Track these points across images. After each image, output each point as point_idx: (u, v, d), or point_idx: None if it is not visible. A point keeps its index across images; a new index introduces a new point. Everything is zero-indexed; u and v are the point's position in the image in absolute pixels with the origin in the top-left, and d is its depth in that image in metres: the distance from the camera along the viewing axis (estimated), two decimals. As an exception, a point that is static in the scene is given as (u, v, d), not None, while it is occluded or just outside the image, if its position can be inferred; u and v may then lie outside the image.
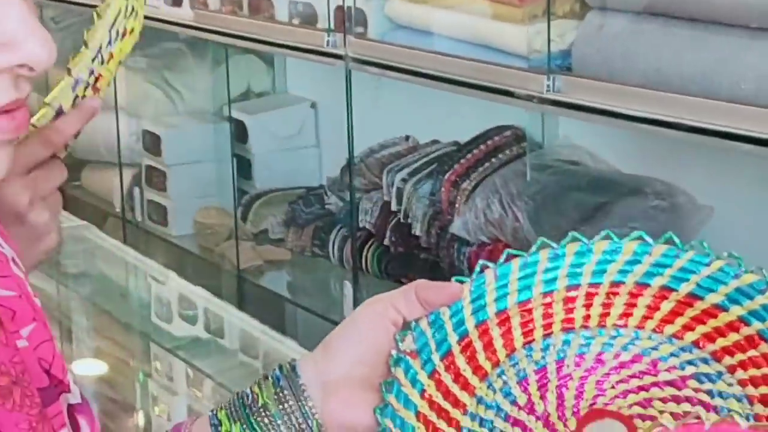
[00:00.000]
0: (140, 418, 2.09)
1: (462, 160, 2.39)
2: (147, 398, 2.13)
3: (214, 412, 0.99)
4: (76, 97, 1.16)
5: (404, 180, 2.45)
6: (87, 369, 2.19)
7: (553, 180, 2.29)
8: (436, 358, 0.96)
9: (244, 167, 2.99)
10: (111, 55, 1.20)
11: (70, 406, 0.86)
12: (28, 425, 0.76)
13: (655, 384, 1.03)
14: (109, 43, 1.19)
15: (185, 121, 3.14)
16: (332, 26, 2.38)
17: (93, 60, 1.17)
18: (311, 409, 0.96)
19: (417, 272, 2.41)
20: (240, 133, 2.98)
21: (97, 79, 1.21)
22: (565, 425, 1.00)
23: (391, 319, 0.94)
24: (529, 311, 0.98)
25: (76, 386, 0.86)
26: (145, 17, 2.45)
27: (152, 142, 3.05)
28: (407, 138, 2.62)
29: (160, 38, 3.11)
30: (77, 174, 3.44)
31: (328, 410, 0.95)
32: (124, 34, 1.19)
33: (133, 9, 1.22)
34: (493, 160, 2.37)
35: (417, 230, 2.41)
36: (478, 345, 0.97)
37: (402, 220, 2.45)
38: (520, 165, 2.33)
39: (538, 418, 1.01)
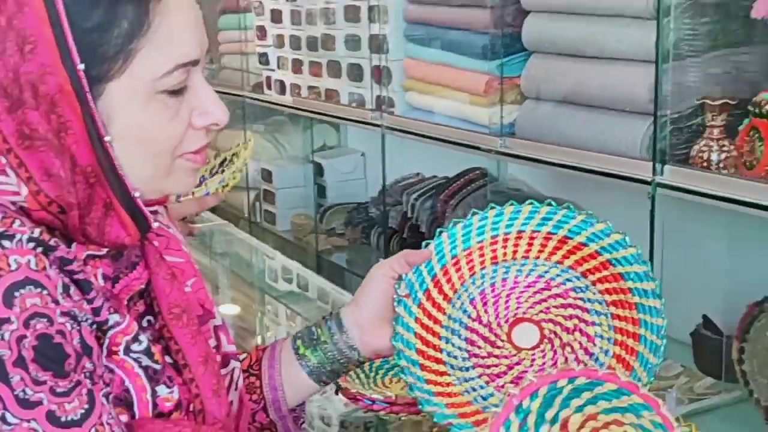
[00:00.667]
0: (257, 339, 2.38)
1: (450, 187, 2.69)
2: (262, 327, 2.55)
3: (294, 339, 1.23)
4: (216, 189, 1.96)
5: (416, 199, 2.79)
6: (227, 309, 2.50)
7: (503, 200, 2.24)
8: (419, 294, 1.20)
9: (321, 191, 3.48)
10: (234, 175, 2.05)
11: (215, 327, 1.10)
12: (191, 336, 1.02)
13: (550, 296, 1.22)
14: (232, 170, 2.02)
15: (286, 163, 3.63)
16: (374, 107, 2.78)
17: (231, 175, 2.03)
18: (352, 341, 1.22)
19: None
20: (318, 170, 3.49)
21: (226, 185, 2.06)
22: (500, 330, 1.22)
23: (391, 276, 1.21)
24: (470, 254, 1.22)
25: (220, 315, 1.09)
26: (264, 101, 3.26)
27: (267, 175, 3.58)
28: (417, 174, 2.97)
29: (272, 113, 3.66)
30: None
31: (363, 341, 1.22)
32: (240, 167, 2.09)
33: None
34: (468, 187, 2.67)
35: (423, 229, 2.74)
36: (443, 280, 1.21)
37: (414, 223, 2.80)
38: (484, 191, 2.61)
39: (484, 326, 1.22)
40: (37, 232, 0.89)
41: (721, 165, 1.80)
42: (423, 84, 2.65)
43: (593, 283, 1.23)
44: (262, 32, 3.40)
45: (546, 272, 1.23)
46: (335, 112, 3.02)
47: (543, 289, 1.22)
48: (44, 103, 0.90)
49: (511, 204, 1.27)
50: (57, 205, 0.93)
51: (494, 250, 1.22)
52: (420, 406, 1.17)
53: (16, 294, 0.86)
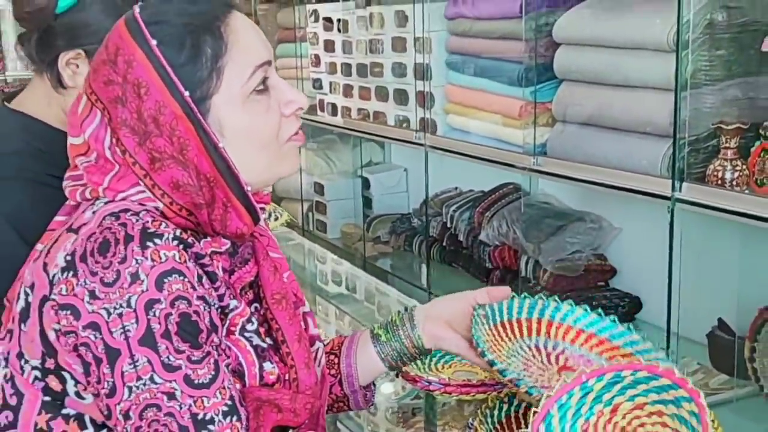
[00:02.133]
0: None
1: (486, 200, 2.76)
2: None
3: (374, 328, 1.39)
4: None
5: (454, 211, 2.84)
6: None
7: (535, 212, 2.57)
8: (491, 324, 1.36)
9: (367, 202, 3.51)
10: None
11: (304, 313, 1.24)
12: (289, 318, 1.16)
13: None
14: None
15: (336, 177, 3.63)
16: (418, 128, 2.80)
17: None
18: (417, 332, 1.36)
19: (461, 260, 2.83)
20: (366, 184, 3.52)
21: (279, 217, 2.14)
22: (551, 366, 1.35)
23: (472, 303, 1.37)
24: (532, 321, 1.40)
25: (308, 304, 1.25)
26: (318, 122, 3.28)
27: (319, 188, 3.60)
28: (456, 188, 3.01)
29: (324, 132, 3.69)
30: (279, 204, 3.88)
31: (427, 333, 1.36)
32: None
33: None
34: (503, 200, 2.73)
35: (461, 238, 2.80)
36: (513, 324, 1.40)
37: (453, 232, 2.84)
38: (518, 204, 2.62)
39: (539, 356, 1.37)
40: (179, 232, 1.04)
41: (734, 183, 1.81)
42: (462, 107, 2.66)
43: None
44: (316, 60, 3.43)
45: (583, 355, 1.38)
46: (382, 132, 3.05)
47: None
48: (166, 130, 1.05)
49: (570, 305, 1.43)
50: (186, 210, 1.07)
51: (556, 327, 1.41)
52: (516, 384, 1.24)
53: (165, 280, 1.00)
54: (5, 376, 1.10)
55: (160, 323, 0.99)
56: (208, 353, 1.03)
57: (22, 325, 1.07)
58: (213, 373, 1.03)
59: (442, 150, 2.70)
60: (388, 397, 1.80)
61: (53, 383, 1.06)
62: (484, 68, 2.53)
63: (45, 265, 1.06)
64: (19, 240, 1.30)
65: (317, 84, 3.45)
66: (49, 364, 1.06)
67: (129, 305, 0.99)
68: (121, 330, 0.99)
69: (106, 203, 1.08)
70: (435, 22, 2.69)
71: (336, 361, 1.37)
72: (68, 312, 1.00)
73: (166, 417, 1.00)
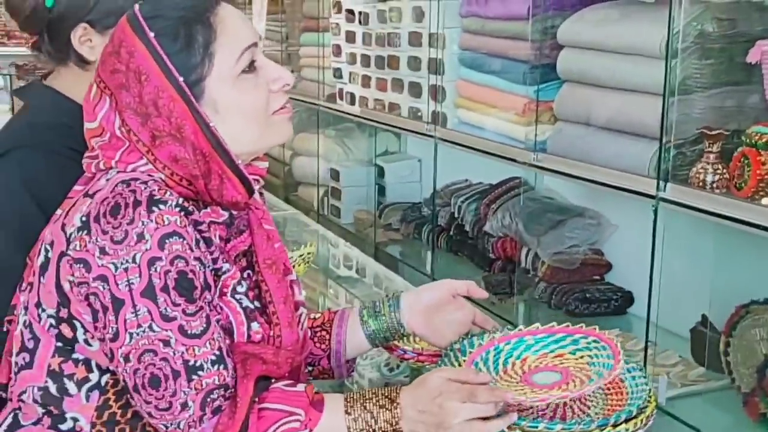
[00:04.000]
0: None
1: (492, 193, 2.82)
2: (324, 306, 2.59)
3: (360, 309, 1.51)
4: (294, 265, 1.83)
5: (462, 202, 2.90)
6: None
7: (537, 206, 2.62)
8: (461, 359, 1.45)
9: (381, 190, 3.54)
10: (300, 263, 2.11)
11: (290, 281, 1.34)
12: (277, 281, 1.27)
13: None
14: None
15: (353, 164, 3.66)
16: (429, 120, 2.83)
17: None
18: (401, 319, 1.48)
19: (466, 250, 2.88)
20: (380, 172, 3.56)
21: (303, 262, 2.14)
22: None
23: (452, 293, 1.50)
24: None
25: (295, 273, 1.35)
26: (336, 110, 3.28)
27: (335, 174, 3.64)
28: (465, 180, 3.05)
29: (342, 121, 3.70)
30: (296, 188, 4.06)
31: (410, 322, 1.48)
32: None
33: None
34: (509, 194, 2.78)
35: (467, 228, 2.86)
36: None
37: (460, 223, 2.90)
38: (520, 199, 2.64)
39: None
40: (181, 200, 1.16)
41: (715, 185, 1.87)
42: (472, 102, 2.71)
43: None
44: (337, 50, 3.48)
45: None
46: (396, 122, 3.09)
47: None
48: (164, 112, 1.17)
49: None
50: (186, 180, 1.19)
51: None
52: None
53: (167, 241, 1.12)
54: (24, 322, 1.22)
55: (160, 278, 1.11)
56: (201, 308, 1.15)
57: (42, 278, 1.20)
58: (204, 325, 1.15)
59: (452, 142, 2.74)
60: (379, 372, 1.87)
61: (65, 330, 1.19)
62: (492, 66, 2.58)
63: (63, 225, 1.19)
64: (32, 204, 1.40)
65: (337, 73, 3.49)
66: (63, 313, 1.18)
67: (134, 261, 1.11)
68: (126, 283, 1.11)
69: (118, 172, 1.20)
70: (450, 18, 2.74)
71: (327, 337, 1.49)
72: (81, 266, 1.13)
73: (161, 361, 1.12)
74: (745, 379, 1.93)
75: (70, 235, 1.16)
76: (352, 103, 3.36)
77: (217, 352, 1.16)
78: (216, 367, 1.15)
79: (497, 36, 2.56)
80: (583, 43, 2.25)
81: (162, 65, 1.17)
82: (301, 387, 1.21)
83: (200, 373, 1.14)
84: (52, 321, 1.20)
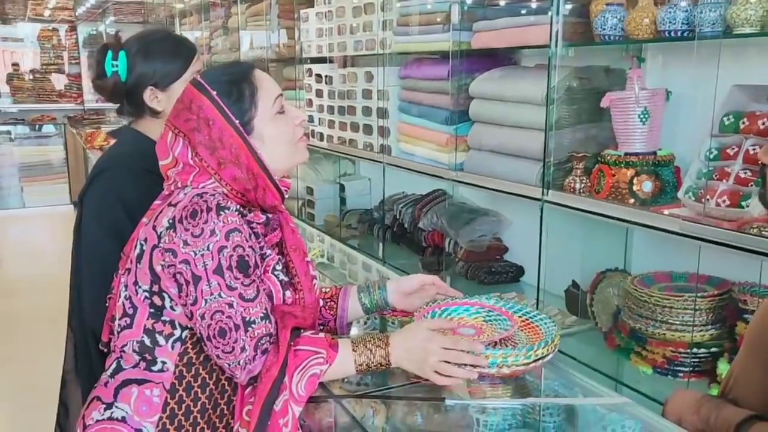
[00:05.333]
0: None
1: (423, 201, 2.81)
2: None
3: (359, 289, 1.43)
4: None
5: (402, 207, 2.88)
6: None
7: (455, 209, 2.64)
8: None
9: (343, 201, 3.48)
10: None
11: (307, 261, 1.29)
12: (300, 260, 1.24)
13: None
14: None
15: (322, 183, 3.59)
16: (379, 151, 2.76)
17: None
18: (386, 298, 1.43)
19: (406, 241, 2.83)
20: (342, 188, 3.51)
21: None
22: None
23: (422, 282, 1.44)
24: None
25: (310, 255, 1.29)
26: (310, 145, 2.98)
27: (310, 190, 3.55)
28: (403, 192, 3.02)
29: (314, 152, 3.30)
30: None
31: (393, 300, 1.44)
32: None
33: None
34: (435, 201, 2.77)
35: (406, 225, 2.84)
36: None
37: (401, 222, 2.86)
38: (444, 203, 2.69)
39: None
40: (239, 206, 1.18)
41: (581, 191, 1.94)
42: (409, 138, 2.67)
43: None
44: (309, 102, 3.42)
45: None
46: (354, 153, 3.02)
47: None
48: (227, 145, 1.18)
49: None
50: (240, 193, 1.20)
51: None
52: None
53: (231, 235, 1.13)
54: (125, 296, 1.23)
55: (226, 260, 1.12)
56: (253, 281, 1.16)
57: (138, 264, 1.20)
58: (256, 293, 1.15)
59: (395, 166, 2.71)
60: (359, 329, 1.87)
61: (156, 300, 1.20)
62: (423, 112, 2.57)
63: (154, 227, 1.19)
64: (120, 209, 1.40)
65: (310, 119, 3.39)
66: (155, 288, 1.19)
67: (208, 249, 1.12)
68: (203, 264, 1.12)
69: (192, 188, 1.21)
70: (392, 79, 2.72)
71: (335, 307, 1.45)
72: (170, 254, 1.15)
73: (227, 318, 1.13)
74: (604, 322, 2.00)
75: (161, 233, 1.16)
76: (321, 139, 3.30)
77: (264, 311, 1.16)
78: (264, 321, 1.15)
79: (426, 91, 2.56)
80: (488, 95, 2.28)
81: (224, 113, 1.18)
82: (321, 335, 1.21)
83: (253, 326, 1.14)
84: (146, 294, 1.20)
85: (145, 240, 1.20)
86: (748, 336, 1.06)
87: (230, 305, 1.12)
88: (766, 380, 0.98)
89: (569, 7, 1.87)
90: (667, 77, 1.93)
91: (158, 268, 1.18)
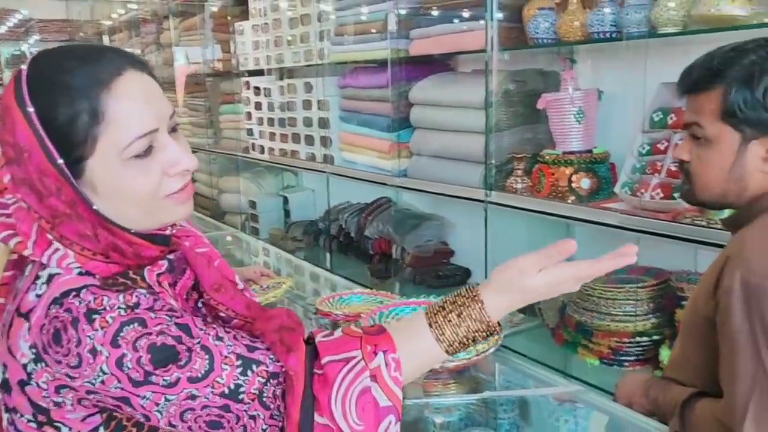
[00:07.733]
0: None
1: (368, 209, 2.81)
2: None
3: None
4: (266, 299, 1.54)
5: (347, 216, 2.86)
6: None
7: (400, 215, 2.67)
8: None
9: (287, 213, 3.47)
10: (276, 295, 1.56)
11: (242, 289, 0.94)
12: (230, 297, 0.89)
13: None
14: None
15: (265, 196, 3.55)
16: (322, 161, 2.78)
17: (274, 294, 1.55)
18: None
19: (353, 250, 2.83)
20: (285, 200, 3.49)
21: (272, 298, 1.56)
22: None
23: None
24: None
25: (240, 282, 0.95)
26: (251, 158, 3.12)
27: (252, 204, 3.52)
28: (348, 201, 3.01)
29: (255, 166, 3.52)
30: (223, 217, 3.76)
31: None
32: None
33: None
34: (380, 208, 2.79)
35: (352, 234, 2.83)
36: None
37: (347, 231, 2.85)
38: (389, 211, 2.71)
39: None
40: (122, 297, 0.78)
41: (523, 190, 1.97)
42: (351, 146, 2.68)
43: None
44: (248, 116, 3.39)
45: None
46: (296, 164, 2.99)
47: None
48: (53, 191, 0.79)
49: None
50: (100, 254, 0.82)
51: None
52: None
53: (118, 338, 0.77)
54: (8, 419, 0.86)
55: (139, 369, 0.76)
56: (190, 349, 0.79)
57: (6, 394, 0.84)
58: (207, 357, 0.79)
59: (339, 175, 2.69)
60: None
61: (49, 431, 0.83)
62: (364, 120, 2.59)
63: (9, 348, 0.82)
64: None
65: (250, 132, 3.38)
66: (41, 418, 0.83)
67: (104, 372, 0.76)
68: (116, 386, 0.77)
69: (46, 280, 0.81)
70: (331, 89, 2.72)
71: None
72: (64, 389, 0.80)
73: (204, 409, 0.79)
74: (551, 318, 2.03)
75: (27, 366, 0.80)
76: (262, 152, 3.27)
77: (239, 362, 0.80)
78: (249, 372, 0.80)
79: (366, 99, 2.58)
80: (428, 101, 2.30)
81: (42, 144, 0.77)
82: (339, 332, 0.86)
83: (241, 390, 0.79)
84: (33, 425, 0.83)
85: (5, 366, 0.83)
86: (684, 320, 1.08)
87: (192, 397, 0.78)
88: (703, 360, 0.99)
89: (502, 13, 1.92)
90: (598, 77, 1.98)
91: (47, 402, 0.81)
